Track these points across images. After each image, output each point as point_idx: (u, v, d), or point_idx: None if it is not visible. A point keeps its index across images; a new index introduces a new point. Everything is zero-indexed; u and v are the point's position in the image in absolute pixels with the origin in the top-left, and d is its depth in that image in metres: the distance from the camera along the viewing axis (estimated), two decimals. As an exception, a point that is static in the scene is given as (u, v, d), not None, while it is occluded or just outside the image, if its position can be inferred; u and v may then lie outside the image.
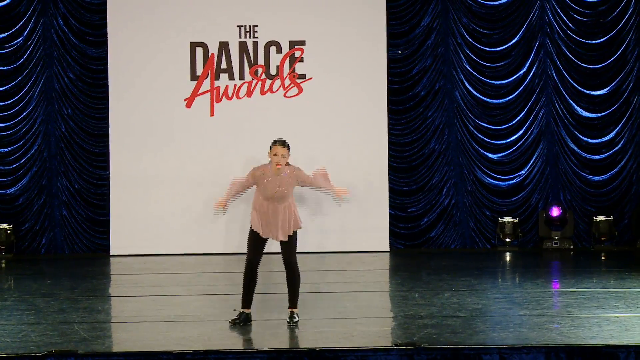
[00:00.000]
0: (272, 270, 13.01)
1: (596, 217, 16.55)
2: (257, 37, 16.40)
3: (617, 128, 16.73)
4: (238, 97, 16.42)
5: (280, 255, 10.26)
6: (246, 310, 10.24)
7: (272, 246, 10.67)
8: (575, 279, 13.35)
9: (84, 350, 8.80)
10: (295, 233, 10.20)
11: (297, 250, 10.31)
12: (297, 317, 10.18)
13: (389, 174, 16.59)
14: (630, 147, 16.74)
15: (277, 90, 16.44)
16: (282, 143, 10.09)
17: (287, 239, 10.13)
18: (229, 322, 10.19)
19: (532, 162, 16.76)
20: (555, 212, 16.42)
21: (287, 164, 10.13)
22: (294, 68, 16.44)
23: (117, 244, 16.37)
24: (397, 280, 13.96)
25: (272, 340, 9.50)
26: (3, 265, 15.62)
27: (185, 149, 16.36)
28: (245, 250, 10.27)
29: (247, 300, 10.25)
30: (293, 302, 10.22)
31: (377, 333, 9.90)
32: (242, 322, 10.16)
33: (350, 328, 9.91)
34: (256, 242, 10.21)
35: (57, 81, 16.43)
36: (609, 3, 16.57)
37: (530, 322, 10.11)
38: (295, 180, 10.17)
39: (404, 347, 8.64)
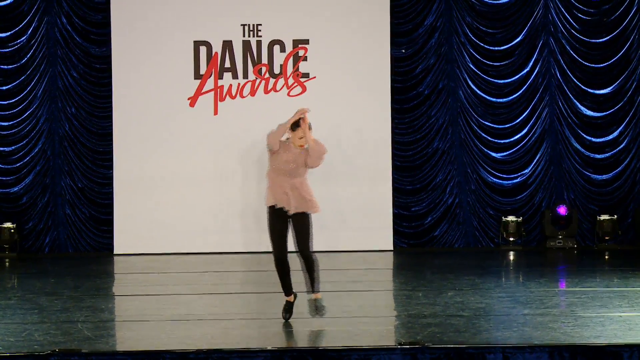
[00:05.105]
0: (273, 269, 13.00)
1: (600, 216, 16.54)
2: (260, 36, 16.40)
3: (621, 127, 16.72)
4: (242, 96, 16.42)
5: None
6: (289, 299, 10.22)
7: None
8: (578, 278, 13.35)
9: (88, 349, 8.80)
10: (309, 217, 10.07)
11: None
12: (321, 307, 10.04)
13: (393, 172, 16.58)
14: (634, 146, 16.73)
15: (280, 89, 16.44)
16: (308, 126, 10.12)
17: (299, 212, 10.00)
18: (282, 317, 10.20)
19: (535, 161, 16.76)
20: (562, 210, 16.42)
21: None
22: (298, 67, 16.44)
23: (121, 242, 16.37)
24: (401, 279, 13.97)
25: (276, 340, 9.50)
26: (7, 264, 15.64)
27: (188, 147, 16.35)
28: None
29: (286, 289, 10.25)
30: (314, 286, 10.05)
31: (380, 332, 9.90)
32: (291, 310, 10.22)
33: (354, 327, 9.91)
34: (275, 227, 10.06)
35: (61, 80, 16.43)
36: (613, 2, 16.56)
37: (533, 321, 10.11)
38: (304, 161, 10.09)
39: (408, 346, 8.64)
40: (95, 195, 16.54)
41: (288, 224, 10.10)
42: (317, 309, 10.10)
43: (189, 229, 16.32)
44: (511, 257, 15.89)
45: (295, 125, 10.11)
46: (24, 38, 16.37)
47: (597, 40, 16.62)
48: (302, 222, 10.04)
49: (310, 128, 10.14)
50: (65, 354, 8.54)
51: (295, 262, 10.21)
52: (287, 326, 10.03)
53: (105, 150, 16.49)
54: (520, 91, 16.69)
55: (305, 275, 10.12)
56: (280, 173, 10.07)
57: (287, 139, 10.16)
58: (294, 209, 10.01)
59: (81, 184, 16.50)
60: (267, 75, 16.42)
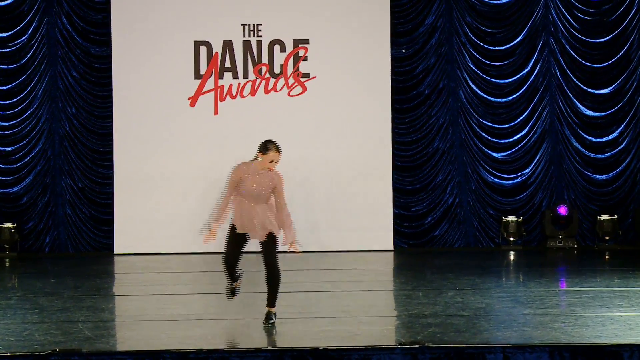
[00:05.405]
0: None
1: (600, 216, 16.54)
2: (261, 36, 16.40)
3: (621, 127, 16.72)
4: (242, 96, 16.42)
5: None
6: (236, 285, 10.25)
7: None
8: (579, 278, 13.35)
9: (88, 349, 8.80)
10: (274, 237, 9.96)
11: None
12: (273, 318, 10.01)
13: (393, 172, 16.58)
14: (634, 146, 16.73)
15: (281, 89, 16.43)
16: (279, 149, 9.86)
17: (264, 239, 9.91)
18: (228, 294, 10.26)
19: (535, 161, 16.76)
20: (562, 210, 16.42)
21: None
22: (298, 67, 16.44)
23: (121, 242, 16.37)
24: (401, 279, 13.97)
25: (276, 340, 9.50)
26: (7, 264, 15.64)
27: (189, 147, 16.35)
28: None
29: (232, 277, 10.23)
30: (271, 301, 10.05)
31: (380, 332, 9.90)
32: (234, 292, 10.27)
33: (354, 327, 9.91)
34: (233, 239, 10.07)
35: (61, 80, 16.43)
36: (613, 2, 16.55)
37: (534, 321, 10.10)
38: (272, 186, 9.89)
39: (408, 346, 8.63)
40: (96, 195, 16.54)
41: (247, 240, 10.07)
42: (267, 318, 10.01)
43: (189, 228, 16.28)
44: (511, 257, 15.89)
45: (265, 148, 9.88)
46: (24, 38, 16.37)
47: (597, 40, 16.62)
48: (268, 241, 9.96)
49: (279, 151, 9.89)
50: (65, 353, 8.53)
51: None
52: (287, 326, 10.02)
53: (106, 150, 16.49)
54: (521, 91, 16.69)
55: (267, 287, 10.07)
56: (245, 197, 9.92)
57: (256, 159, 9.94)
58: (264, 237, 9.94)
59: (81, 183, 16.50)
60: (267, 75, 16.42)
